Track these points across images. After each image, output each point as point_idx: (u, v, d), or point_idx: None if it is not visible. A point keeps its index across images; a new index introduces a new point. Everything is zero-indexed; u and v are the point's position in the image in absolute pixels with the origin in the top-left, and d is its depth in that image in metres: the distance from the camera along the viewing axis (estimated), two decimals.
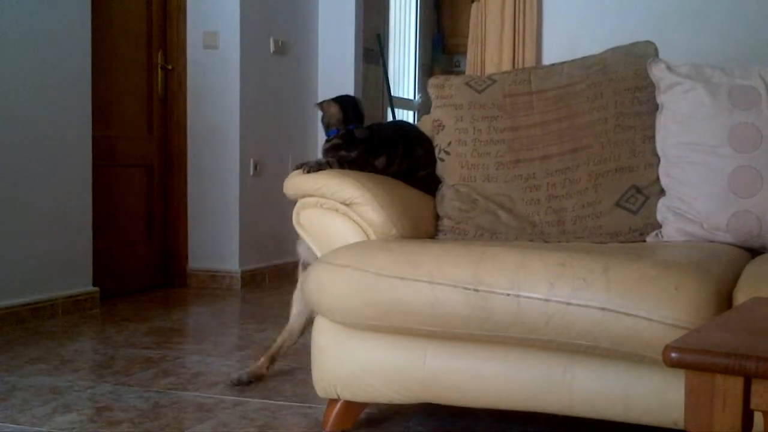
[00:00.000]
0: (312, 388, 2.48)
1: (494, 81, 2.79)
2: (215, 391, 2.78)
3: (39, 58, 4.01)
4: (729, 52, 3.88)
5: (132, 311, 4.27)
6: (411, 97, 8.49)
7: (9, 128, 3.86)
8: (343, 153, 2.56)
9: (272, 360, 2.93)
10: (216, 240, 5.17)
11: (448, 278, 2.07)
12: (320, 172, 2.48)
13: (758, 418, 1.20)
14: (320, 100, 2.76)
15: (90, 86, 4.31)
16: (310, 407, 2.61)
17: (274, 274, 5.33)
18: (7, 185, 3.84)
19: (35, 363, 3.13)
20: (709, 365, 1.12)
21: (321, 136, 5.68)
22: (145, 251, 5.00)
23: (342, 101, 2.71)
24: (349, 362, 2.27)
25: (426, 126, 2.85)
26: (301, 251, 2.67)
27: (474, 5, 4.93)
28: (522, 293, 1.99)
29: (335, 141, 2.60)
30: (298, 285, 2.83)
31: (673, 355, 1.14)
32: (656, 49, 2.68)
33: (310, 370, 2.34)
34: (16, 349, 3.36)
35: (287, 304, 3.08)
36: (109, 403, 2.63)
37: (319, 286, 2.24)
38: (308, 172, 2.48)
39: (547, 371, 2.07)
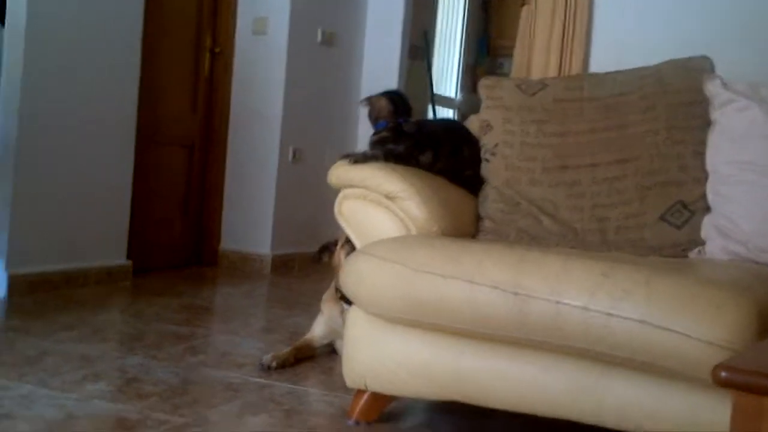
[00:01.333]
0: (339, 377, 2.49)
1: (546, 85, 2.77)
2: (243, 372, 2.80)
3: (91, 38, 4.05)
4: None
5: (163, 286, 4.30)
6: (453, 95, 8.48)
7: (59, 103, 3.91)
8: (390, 146, 2.56)
9: (298, 352, 2.96)
10: (249, 222, 5.19)
11: (488, 279, 2.06)
12: (366, 163, 2.48)
13: None
14: (364, 93, 2.78)
15: (139, 66, 4.35)
16: (336, 396, 2.62)
17: (304, 261, 5.35)
18: (53, 157, 3.89)
19: (67, 330, 3.17)
20: (759, 387, 1.11)
21: (361, 131, 5.70)
22: (180, 229, 5.04)
23: (391, 95, 2.72)
24: (381, 355, 2.27)
25: (474, 126, 2.84)
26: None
27: (524, 8, 4.90)
28: (562, 300, 1.98)
29: (384, 134, 2.60)
30: (324, 309, 3.02)
31: (723, 374, 1.13)
32: (712, 65, 2.65)
33: (337, 359, 2.35)
34: (48, 315, 3.40)
35: (316, 293, 3.11)
36: (138, 375, 2.65)
37: (359, 278, 2.24)
38: (354, 162, 2.49)
39: (580, 380, 2.05)
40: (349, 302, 2.52)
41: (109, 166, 4.21)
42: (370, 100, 2.70)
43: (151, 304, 3.82)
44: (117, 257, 4.29)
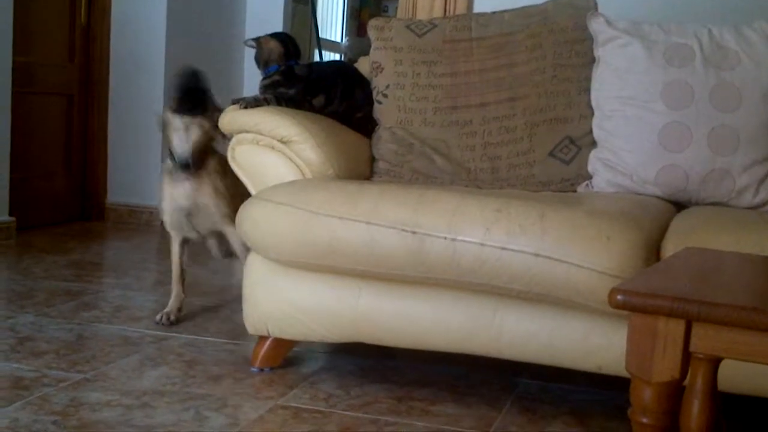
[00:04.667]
0: (239, 325, 2.49)
1: (435, 26, 2.78)
2: (140, 326, 2.75)
3: None
4: (667, 10, 3.94)
5: (49, 243, 4.16)
6: (338, 40, 8.41)
7: None
8: (281, 90, 2.53)
9: (180, 283, 2.89)
10: (136, 175, 5.05)
11: (385, 219, 2.08)
12: (257, 108, 2.45)
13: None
14: (249, 37, 2.70)
15: (12, 11, 4.13)
16: (237, 344, 2.61)
17: None
18: None
19: None
20: (653, 308, 1.16)
21: (248, 75, 5.59)
22: (63, 183, 4.86)
23: (281, 37, 2.67)
24: (282, 300, 2.27)
25: (364, 68, 2.83)
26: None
27: None
28: (458, 237, 2.01)
29: (276, 77, 2.56)
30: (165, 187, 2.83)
31: (619, 297, 1.18)
32: (596, 3, 2.71)
33: (236, 308, 2.33)
34: None
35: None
36: (32, 334, 2.57)
37: (254, 223, 2.22)
38: (245, 107, 2.45)
39: (478, 314, 2.11)
40: (186, 165, 2.71)
41: None
42: (258, 42, 2.63)
43: (38, 261, 3.69)
44: None
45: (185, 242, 2.89)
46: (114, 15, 5.03)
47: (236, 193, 2.70)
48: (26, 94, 4.41)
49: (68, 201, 4.89)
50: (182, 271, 2.89)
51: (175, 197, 2.78)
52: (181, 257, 2.89)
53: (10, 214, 4.19)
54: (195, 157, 2.74)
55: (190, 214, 2.79)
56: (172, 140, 2.75)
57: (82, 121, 4.98)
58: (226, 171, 2.69)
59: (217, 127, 2.62)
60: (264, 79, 2.58)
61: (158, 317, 2.80)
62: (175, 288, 2.88)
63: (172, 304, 2.85)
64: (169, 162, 2.81)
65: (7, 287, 3.25)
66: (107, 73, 5.04)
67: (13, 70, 4.17)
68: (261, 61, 2.62)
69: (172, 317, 2.80)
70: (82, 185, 5.01)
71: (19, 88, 4.27)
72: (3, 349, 2.41)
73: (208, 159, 2.79)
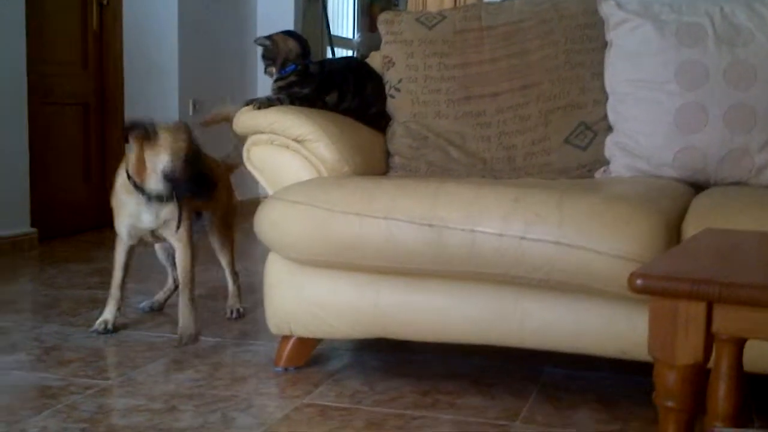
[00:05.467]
0: (262, 326, 2.49)
1: (444, 17, 2.77)
2: (164, 330, 2.77)
3: None
4: None
5: (72, 252, 4.19)
6: (350, 36, 8.41)
7: None
8: (295, 89, 2.52)
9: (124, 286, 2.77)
10: None
11: (403, 214, 2.07)
12: (271, 108, 2.45)
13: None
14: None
15: (24, 20, 4.16)
16: (261, 345, 2.62)
17: None
18: None
19: None
20: (673, 291, 1.15)
21: (261, 76, 5.62)
22: (83, 192, 4.89)
23: (296, 35, 2.66)
24: (303, 298, 2.28)
25: (376, 63, 2.82)
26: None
27: None
28: (477, 228, 2.01)
29: (292, 78, 2.53)
30: (116, 203, 2.69)
31: (639, 281, 1.17)
32: None
33: (258, 308, 2.34)
34: None
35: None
36: (58, 343, 2.59)
37: (272, 223, 2.22)
38: (259, 108, 2.45)
39: (499, 304, 2.10)
40: (143, 191, 2.55)
41: (2, 130, 4.04)
42: (274, 40, 2.58)
43: (61, 271, 3.72)
44: (21, 226, 4.15)
45: (133, 247, 2.75)
46: (126, 20, 5.05)
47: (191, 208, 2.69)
48: (42, 104, 4.44)
49: (88, 210, 4.92)
50: (125, 276, 2.75)
51: (141, 219, 2.63)
52: (128, 261, 2.74)
53: (32, 225, 4.23)
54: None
55: (153, 230, 2.67)
56: (150, 170, 2.54)
57: (98, 130, 5.01)
58: None
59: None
60: (279, 80, 2.55)
61: (96, 326, 2.70)
62: (116, 294, 2.74)
63: (110, 311, 2.74)
64: (128, 181, 2.59)
65: (31, 297, 3.28)
66: (121, 80, 5.08)
67: (29, 81, 4.20)
68: (277, 61, 2.57)
69: (110, 326, 2.71)
70: (101, 194, 5.04)
71: (35, 98, 4.30)
72: (30, 359, 2.44)
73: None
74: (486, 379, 2.32)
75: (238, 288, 3.01)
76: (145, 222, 2.64)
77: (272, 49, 2.56)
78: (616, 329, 2.03)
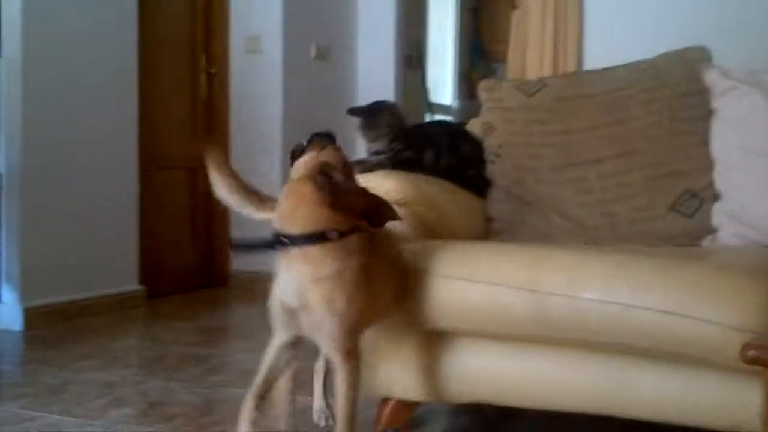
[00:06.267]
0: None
1: (545, 85, 2.80)
2: None
3: (87, 64, 4.09)
4: None
5: (177, 310, 4.32)
6: (449, 103, 8.51)
7: (58, 130, 3.93)
8: (397, 152, 2.56)
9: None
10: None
11: (504, 279, 2.07)
12: (373, 172, 2.50)
13: None
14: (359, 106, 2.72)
15: (136, 90, 4.38)
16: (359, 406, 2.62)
17: None
18: (58, 186, 3.90)
19: (86, 359, 3.18)
20: None
21: (360, 142, 5.72)
22: (189, 252, 5.05)
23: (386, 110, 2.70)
24: (402, 361, 2.28)
25: (475, 129, 2.85)
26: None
27: (515, 12, 4.94)
28: (579, 294, 1.99)
29: (398, 148, 2.57)
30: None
31: (752, 352, 1.15)
32: (709, 55, 2.67)
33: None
34: (65, 346, 3.41)
35: None
36: (162, 399, 2.66)
37: None
38: (361, 172, 2.50)
39: (605, 374, 2.06)
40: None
41: (114, 192, 4.23)
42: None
43: (166, 328, 3.83)
44: (129, 283, 4.31)
45: (292, 344, 1.97)
46: (232, 88, 5.25)
47: (366, 308, 1.85)
48: (152, 168, 4.63)
49: (194, 269, 5.07)
50: (269, 382, 1.99)
51: (281, 285, 1.86)
52: (276, 360, 1.98)
53: (141, 283, 4.38)
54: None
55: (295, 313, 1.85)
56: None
57: (205, 192, 5.16)
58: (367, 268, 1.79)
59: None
60: (388, 152, 2.58)
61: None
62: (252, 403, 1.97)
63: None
64: None
65: (138, 353, 3.38)
66: (227, 146, 5.25)
67: (140, 145, 4.40)
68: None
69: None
70: (207, 253, 5.19)
71: (145, 162, 4.49)
72: (135, 414, 2.51)
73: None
74: None
75: None
76: (286, 292, 1.84)
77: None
78: (730, 402, 1.95)
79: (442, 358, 2.23)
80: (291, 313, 1.85)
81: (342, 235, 1.79)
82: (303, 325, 1.85)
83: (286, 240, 1.77)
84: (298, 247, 1.77)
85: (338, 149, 1.91)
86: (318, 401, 2.37)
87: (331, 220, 1.79)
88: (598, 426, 2.39)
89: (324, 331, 1.82)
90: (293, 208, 1.82)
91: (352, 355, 1.87)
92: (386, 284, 1.94)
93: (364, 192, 1.92)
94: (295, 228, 1.79)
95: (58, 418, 2.44)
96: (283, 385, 2.22)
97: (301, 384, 2.40)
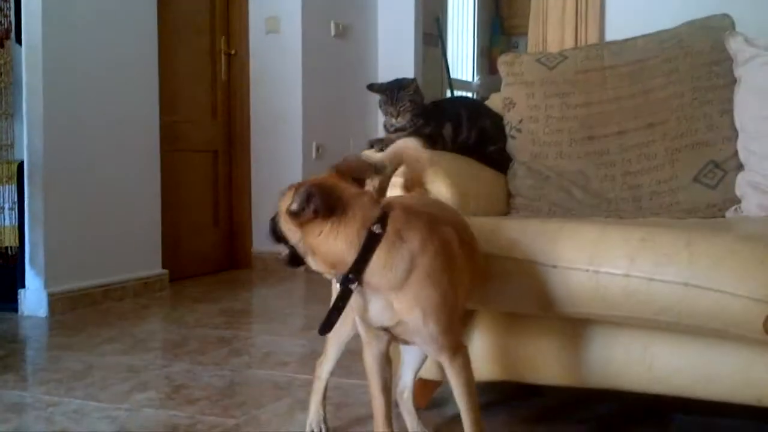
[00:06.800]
0: None
1: (566, 57, 2.75)
2: (288, 370, 2.81)
3: (107, 50, 4.08)
4: None
5: (200, 293, 4.33)
6: (470, 79, 8.45)
7: (80, 116, 3.93)
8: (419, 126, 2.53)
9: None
10: None
11: (525, 255, 2.04)
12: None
13: None
14: (380, 82, 2.68)
15: (157, 74, 4.37)
16: None
17: None
18: (78, 171, 3.91)
19: (110, 343, 3.20)
20: None
21: (381, 120, 5.68)
22: (211, 234, 5.06)
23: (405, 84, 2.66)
24: None
25: (496, 104, 2.82)
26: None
27: None
28: (601, 269, 1.95)
29: (420, 124, 2.54)
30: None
31: None
32: (733, 23, 2.62)
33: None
34: (90, 330, 3.43)
35: None
36: (186, 382, 2.66)
37: None
38: (381, 149, 2.48)
39: (627, 348, 2.04)
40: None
41: (137, 176, 4.24)
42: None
43: (190, 311, 3.84)
44: (153, 267, 4.33)
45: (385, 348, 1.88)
46: (252, 70, 5.23)
47: (453, 297, 1.72)
48: (174, 151, 4.63)
49: (217, 251, 5.09)
50: (387, 396, 1.90)
51: (365, 314, 1.75)
52: (380, 370, 1.90)
53: (163, 267, 4.40)
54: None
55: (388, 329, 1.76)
56: None
57: (226, 175, 5.18)
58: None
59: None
60: (410, 129, 2.55)
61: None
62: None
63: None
64: None
65: (162, 336, 3.39)
66: (248, 128, 5.25)
67: (161, 129, 4.40)
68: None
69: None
70: (229, 236, 5.20)
71: (167, 146, 4.50)
72: (159, 397, 2.51)
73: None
74: (614, 428, 2.25)
75: None
76: (375, 317, 1.74)
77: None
78: (751, 375, 1.93)
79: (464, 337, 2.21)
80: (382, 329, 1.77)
81: (383, 219, 1.64)
82: (398, 334, 1.77)
83: (350, 276, 1.65)
84: (363, 271, 1.63)
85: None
86: (315, 411, 2.22)
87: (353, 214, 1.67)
88: (620, 401, 2.37)
89: (421, 337, 1.72)
90: (328, 248, 1.68)
91: (457, 349, 1.75)
92: (463, 263, 1.78)
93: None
94: (343, 262, 1.66)
95: (82, 402, 2.45)
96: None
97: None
